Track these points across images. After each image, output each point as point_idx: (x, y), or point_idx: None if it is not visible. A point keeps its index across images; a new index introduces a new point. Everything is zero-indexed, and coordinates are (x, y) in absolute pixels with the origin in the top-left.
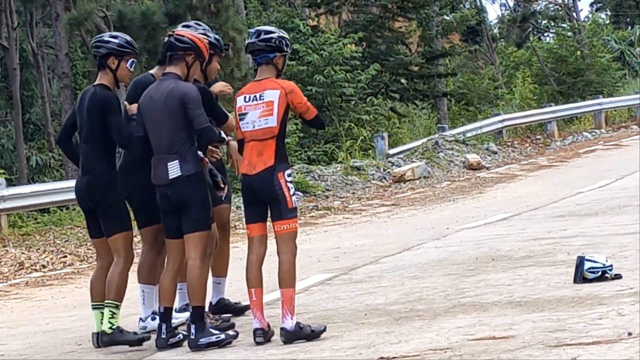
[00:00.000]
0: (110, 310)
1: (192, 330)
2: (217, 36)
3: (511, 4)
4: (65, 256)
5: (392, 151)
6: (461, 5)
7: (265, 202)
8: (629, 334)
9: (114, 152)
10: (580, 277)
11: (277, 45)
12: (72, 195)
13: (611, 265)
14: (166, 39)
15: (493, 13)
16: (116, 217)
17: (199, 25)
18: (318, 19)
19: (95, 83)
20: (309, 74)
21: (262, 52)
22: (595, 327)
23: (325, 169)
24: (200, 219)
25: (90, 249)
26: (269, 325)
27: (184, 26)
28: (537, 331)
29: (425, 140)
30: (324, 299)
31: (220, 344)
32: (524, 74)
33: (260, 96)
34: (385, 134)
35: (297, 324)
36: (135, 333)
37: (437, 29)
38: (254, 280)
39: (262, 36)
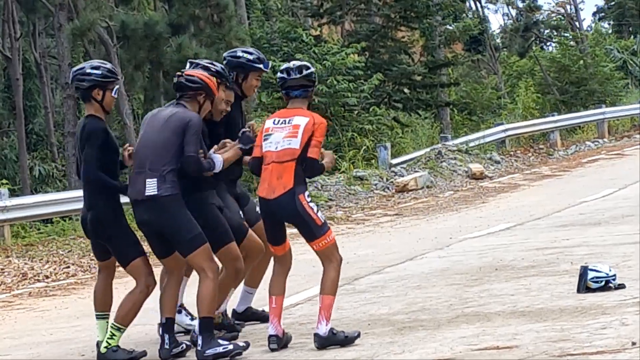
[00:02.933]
0: (111, 330)
1: (200, 342)
2: (222, 66)
3: (514, 13)
4: (68, 267)
5: (395, 161)
6: (464, 15)
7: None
8: (633, 343)
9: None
10: (583, 286)
11: (314, 79)
12: (75, 206)
13: (614, 275)
14: (175, 79)
15: (495, 23)
16: (125, 246)
17: (200, 62)
18: (321, 29)
19: (86, 114)
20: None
21: (304, 87)
22: (599, 337)
23: (328, 178)
24: (192, 238)
25: (93, 260)
26: (284, 332)
27: (191, 64)
28: (540, 341)
29: (428, 150)
30: None
31: (228, 355)
32: (527, 84)
33: (289, 120)
34: (388, 144)
35: (331, 329)
36: (130, 351)
37: (439, 39)
38: (277, 288)
39: (304, 72)
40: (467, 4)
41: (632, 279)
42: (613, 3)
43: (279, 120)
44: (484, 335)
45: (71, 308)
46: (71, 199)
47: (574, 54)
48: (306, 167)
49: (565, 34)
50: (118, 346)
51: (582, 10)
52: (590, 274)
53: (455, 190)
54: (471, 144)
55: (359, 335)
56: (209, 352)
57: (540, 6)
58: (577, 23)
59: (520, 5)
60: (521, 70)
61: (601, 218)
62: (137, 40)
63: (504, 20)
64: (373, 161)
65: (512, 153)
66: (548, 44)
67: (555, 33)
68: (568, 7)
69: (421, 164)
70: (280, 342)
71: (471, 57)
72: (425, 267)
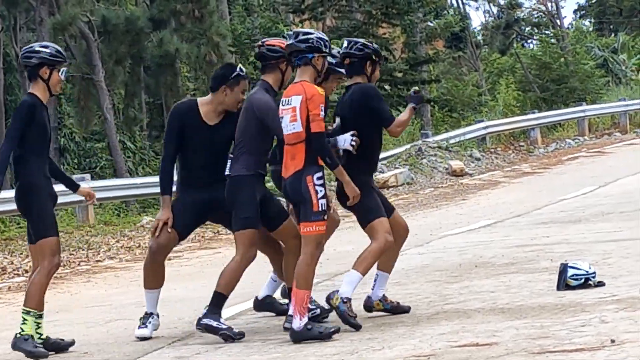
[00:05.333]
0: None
1: (204, 311)
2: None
3: (495, 10)
4: None
5: None
6: (445, 12)
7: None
8: (612, 341)
9: (34, 158)
10: (563, 284)
11: (316, 45)
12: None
13: (594, 273)
14: (256, 49)
15: (477, 20)
16: (40, 223)
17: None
18: (302, 24)
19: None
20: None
21: (301, 53)
22: (579, 335)
23: None
24: (243, 218)
25: (73, 254)
26: (306, 327)
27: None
28: (520, 338)
29: (408, 146)
30: None
31: (217, 332)
32: (508, 81)
33: (288, 101)
34: None
35: (306, 325)
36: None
37: (421, 36)
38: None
39: (300, 37)
40: (449, 1)
41: (612, 276)
42: (594, 1)
43: (284, 101)
44: (463, 332)
45: (50, 303)
46: None
47: (554, 51)
48: (313, 143)
49: (546, 32)
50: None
51: (563, 7)
52: (570, 272)
53: (436, 187)
54: (452, 141)
55: (337, 331)
56: (204, 320)
57: (521, 3)
58: (558, 21)
59: (502, 2)
60: (502, 67)
61: (581, 215)
62: (118, 35)
63: (485, 17)
64: None
65: (492, 150)
66: (529, 41)
67: (536, 30)
68: (549, 4)
69: (401, 161)
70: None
71: (452, 54)
72: (405, 263)
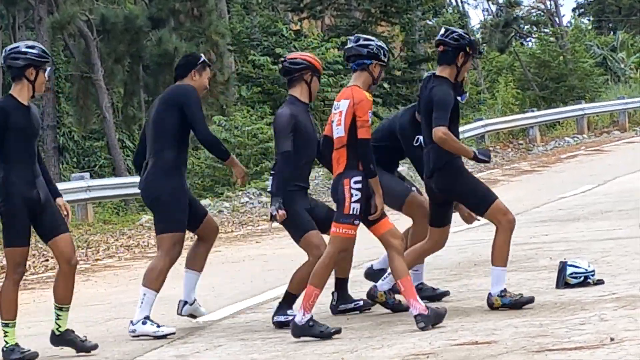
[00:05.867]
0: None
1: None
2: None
3: (494, 9)
4: (47, 260)
5: None
6: (444, 10)
7: None
8: (612, 339)
9: (7, 160)
10: (562, 282)
11: (375, 52)
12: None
13: (593, 271)
14: (279, 66)
15: (476, 18)
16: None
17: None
18: (301, 23)
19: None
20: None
21: (360, 58)
22: (578, 333)
23: None
24: (300, 224)
25: None
26: (427, 308)
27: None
28: (519, 336)
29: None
30: None
31: (288, 324)
32: (507, 79)
33: (337, 106)
34: None
35: (308, 321)
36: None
37: (419, 34)
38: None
39: (361, 41)
40: None
41: (611, 274)
42: None
43: (335, 105)
44: (462, 330)
45: (50, 301)
46: None
47: (553, 49)
48: (359, 149)
49: (545, 30)
50: None
51: (562, 6)
52: (569, 270)
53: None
54: None
55: (338, 332)
56: (275, 318)
57: (520, 2)
58: (557, 19)
59: (501, 0)
60: (501, 65)
61: (580, 214)
62: (117, 33)
63: (484, 15)
64: None
65: (491, 148)
66: (528, 39)
67: (535, 29)
68: (548, 2)
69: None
70: (427, 319)
71: None
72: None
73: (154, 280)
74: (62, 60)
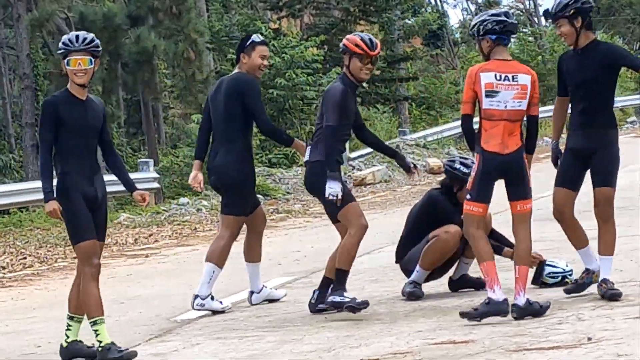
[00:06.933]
0: None
1: (329, 291)
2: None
3: (473, 8)
4: (25, 257)
5: (353, 155)
6: (423, 10)
7: (506, 181)
8: (589, 339)
9: (66, 155)
10: (539, 280)
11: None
12: (33, 197)
13: (571, 270)
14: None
15: (455, 17)
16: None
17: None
18: (280, 22)
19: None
20: (271, 77)
21: (511, 34)
22: (555, 332)
23: (286, 172)
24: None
25: (50, 251)
26: (529, 301)
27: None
28: (496, 336)
29: (386, 144)
30: (284, 302)
31: (341, 306)
32: None
33: (514, 77)
34: None
35: (527, 300)
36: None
37: (398, 33)
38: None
39: (511, 18)
40: None
41: None
42: None
43: (501, 76)
44: (440, 329)
45: (27, 299)
46: (29, 189)
47: (532, 49)
48: (531, 124)
49: (524, 30)
50: None
51: (540, 6)
52: (547, 269)
53: (413, 184)
54: (429, 139)
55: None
56: (329, 298)
57: (499, 1)
58: (535, 19)
59: (480, 0)
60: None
61: None
62: (95, 31)
63: (463, 15)
64: None
65: None
66: None
67: None
68: (527, 2)
69: (379, 158)
70: (522, 311)
71: (430, 52)
72: (382, 260)
73: (221, 258)
74: (40, 58)
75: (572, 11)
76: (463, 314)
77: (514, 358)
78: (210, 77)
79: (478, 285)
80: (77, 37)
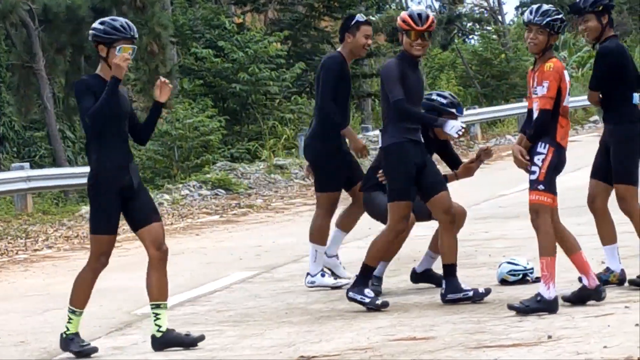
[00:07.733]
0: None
1: (444, 286)
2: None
3: (437, 5)
4: None
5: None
6: (387, 6)
7: None
8: (549, 337)
9: (100, 142)
10: (499, 277)
11: None
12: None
13: (532, 268)
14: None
15: None
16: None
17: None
18: (244, 16)
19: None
20: (234, 72)
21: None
22: (516, 330)
23: (249, 166)
24: (392, 190)
25: (11, 243)
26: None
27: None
28: (457, 333)
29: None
30: (245, 296)
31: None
32: (449, 76)
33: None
34: None
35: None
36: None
37: None
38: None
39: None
40: None
41: None
42: None
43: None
44: (400, 325)
45: (2, 288)
46: None
47: (496, 47)
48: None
49: (488, 28)
50: None
51: (504, 4)
52: (508, 267)
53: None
54: None
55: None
56: (450, 296)
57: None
58: (499, 17)
59: None
60: (443, 62)
61: (520, 211)
62: (59, 23)
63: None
64: (294, 150)
65: None
66: (470, 37)
67: (477, 26)
68: (491, 0)
69: None
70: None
71: (394, 49)
72: (344, 257)
73: (321, 237)
74: (3, 50)
75: (600, 7)
76: (511, 307)
77: (474, 355)
78: (174, 71)
79: (440, 283)
80: (128, 25)
